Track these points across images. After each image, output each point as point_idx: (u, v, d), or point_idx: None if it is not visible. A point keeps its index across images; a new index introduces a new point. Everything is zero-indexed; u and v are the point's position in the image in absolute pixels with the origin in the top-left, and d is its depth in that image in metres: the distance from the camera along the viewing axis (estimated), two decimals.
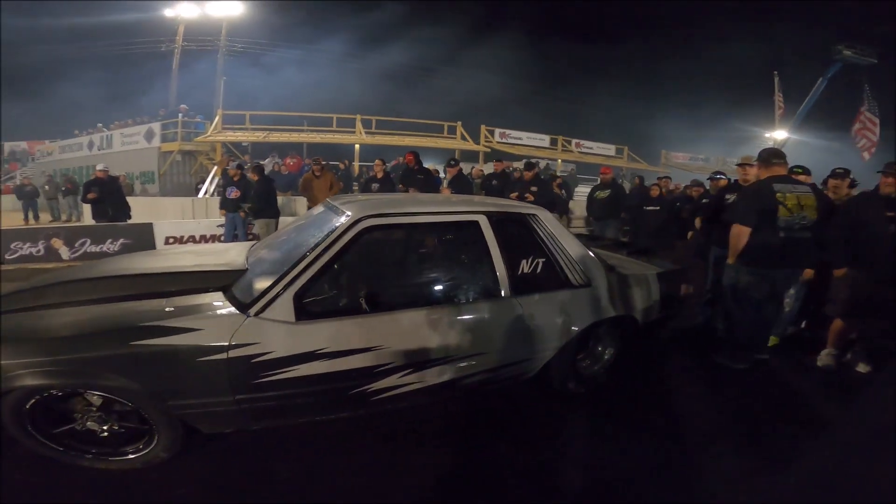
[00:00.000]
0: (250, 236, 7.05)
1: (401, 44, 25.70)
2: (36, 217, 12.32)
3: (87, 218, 8.69)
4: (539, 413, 2.62)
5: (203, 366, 1.87)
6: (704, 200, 5.12)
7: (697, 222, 4.81)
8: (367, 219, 2.19)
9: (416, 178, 6.20)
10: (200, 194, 11.48)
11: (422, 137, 16.54)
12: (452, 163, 6.58)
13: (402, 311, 2.18)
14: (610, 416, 2.60)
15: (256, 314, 1.96)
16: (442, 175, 8.90)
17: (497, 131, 17.60)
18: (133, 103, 20.23)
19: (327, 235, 2.13)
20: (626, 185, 12.14)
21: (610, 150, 19.57)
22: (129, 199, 7.63)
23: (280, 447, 2.23)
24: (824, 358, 3.34)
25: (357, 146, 15.45)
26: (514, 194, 6.26)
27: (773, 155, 3.10)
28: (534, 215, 2.59)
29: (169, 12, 18.84)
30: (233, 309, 2.00)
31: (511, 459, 2.20)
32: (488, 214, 2.44)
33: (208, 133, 14.88)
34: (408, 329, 2.16)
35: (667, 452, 2.29)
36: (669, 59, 29.46)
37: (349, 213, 2.24)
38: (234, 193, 7.09)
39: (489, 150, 16.25)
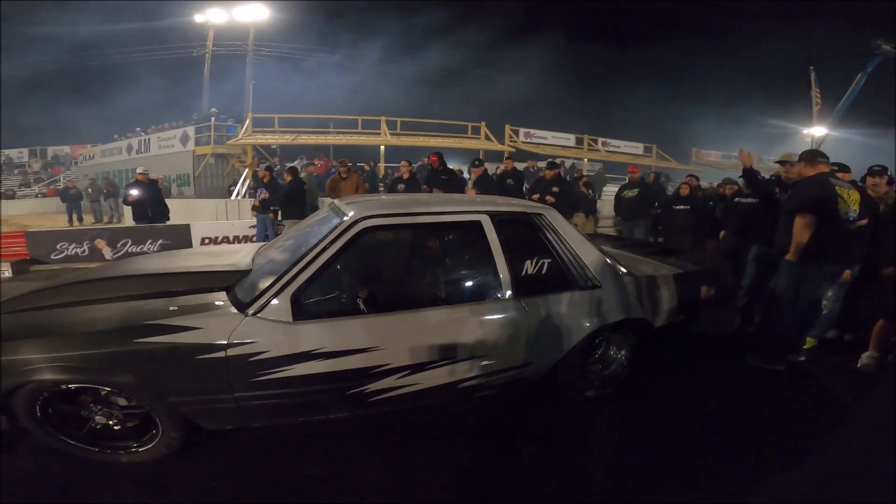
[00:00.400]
0: None
1: (432, 47, 26.02)
2: (80, 219, 12.95)
3: (128, 219, 9.13)
4: (563, 415, 2.59)
5: (202, 364, 1.90)
6: (737, 199, 4.99)
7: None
8: (366, 220, 2.18)
9: (440, 178, 6.25)
10: (233, 196, 11.84)
11: (446, 138, 16.61)
12: (477, 163, 6.61)
13: (400, 312, 2.18)
14: (627, 420, 2.56)
15: (255, 314, 1.98)
16: (466, 175, 8.94)
17: (521, 131, 17.51)
18: (168, 107, 21.08)
19: (326, 236, 2.14)
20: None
21: (638, 148, 19.20)
22: (167, 200, 7.94)
23: (303, 443, 2.27)
24: (865, 360, 3.21)
25: (382, 148, 15.64)
26: (535, 196, 6.24)
27: (817, 154, 3.07)
28: (539, 215, 2.51)
29: (199, 17, 19.48)
30: (233, 308, 2.03)
31: (532, 462, 2.19)
32: (491, 214, 2.39)
33: (239, 136, 15.34)
34: (406, 331, 2.14)
35: (684, 458, 2.21)
36: (704, 59, 28.93)
37: (348, 213, 2.24)
38: (263, 195, 7.29)
39: (514, 150, 16.17)
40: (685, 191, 6.14)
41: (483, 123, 16.82)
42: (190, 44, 20.54)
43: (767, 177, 4.23)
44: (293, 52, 22.78)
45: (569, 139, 18.37)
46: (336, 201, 2.75)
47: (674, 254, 3.60)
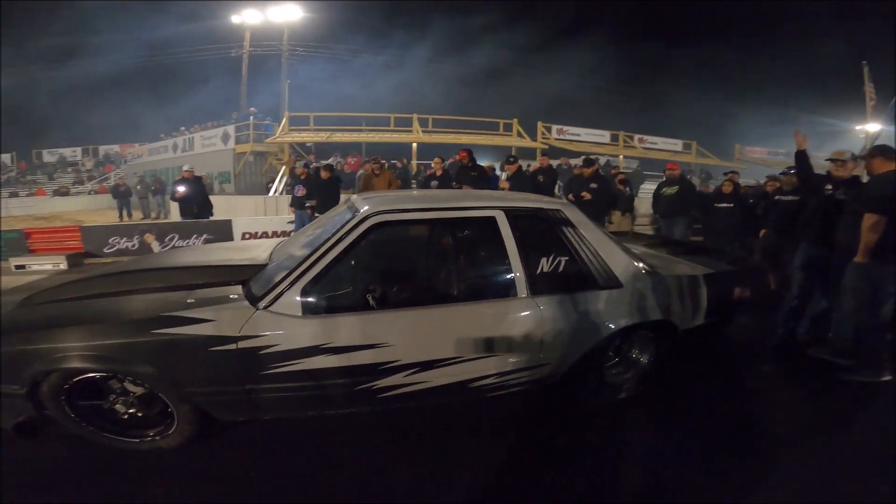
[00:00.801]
0: None
1: (472, 47, 26.20)
2: (129, 214, 13.69)
3: (175, 215, 9.57)
4: (586, 417, 2.53)
5: (214, 355, 1.93)
6: (777, 197, 4.78)
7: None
8: (377, 215, 2.16)
9: (469, 175, 6.25)
10: (271, 193, 12.21)
11: (478, 135, 16.58)
12: (511, 160, 6.57)
13: (410, 308, 2.16)
14: (648, 423, 2.48)
15: (265, 307, 2.00)
16: (499, 172, 8.90)
17: (554, 128, 17.28)
18: (210, 107, 21.96)
19: (337, 231, 2.14)
20: (696, 182, 11.50)
21: (676, 145, 18.61)
22: (210, 197, 8.27)
23: (337, 436, 2.29)
24: None
25: (414, 145, 15.76)
26: (570, 195, 6.15)
27: (891, 150, 2.91)
28: (557, 211, 2.44)
29: (235, 19, 20.11)
30: (245, 302, 2.06)
31: (559, 461, 2.17)
32: (506, 210, 2.33)
33: (277, 135, 15.80)
34: (415, 328, 2.12)
35: (704, 463, 2.15)
36: (753, 57, 27.99)
37: (361, 209, 2.23)
38: (300, 191, 7.48)
39: (546, 146, 15.97)
40: (728, 188, 5.91)
41: (515, 120, 16.70)
42: (228, 44, 21.32)
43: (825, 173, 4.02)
44: (328, 52, 23.25)
45: (603, 136, 17.99)
46: (352, 197, 2.76)
47: (708, 253, 3.47)
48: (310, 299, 2.02)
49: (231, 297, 2.11)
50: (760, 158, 19.61)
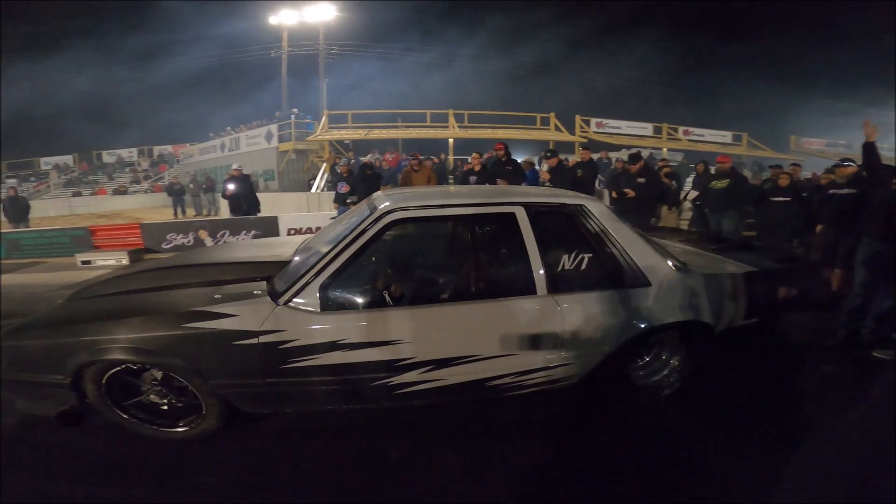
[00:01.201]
0: None
1: (517, 43, 26.06)
2: (183, 212, 14.42)
3: (224, 212, 10.03)
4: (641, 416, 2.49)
5: (238, 349, 1.99)
6: (832, 191, 4.50)
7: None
8: (394, 212, 2.16)
9: (504, 169, 6.22)
10: (313, 189, 12.56)
11: (514, 130, 16.42)
12: (549, 154, 6.48)
13: (426, 306, 2.17)
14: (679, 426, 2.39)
15: (285, 303, 2.04)
16: (537, 167, 8.80)
17: (593, 121, 16.87)
18: (253, 107, 22.85)
19: (355, 228, 2.16)
20: (748, 175, 10.96)
21: (725, 136, 17.77)
22: (257, 194, 8.61)
23: (390, 432, 2.32)
24: None
25: (451, 140, 15.79)
26: (613, 191, 6.01)
27: None
28: (581, 206, 2.35)
29: (273, 20, 20.70)
30: (268, 297, 2.11)
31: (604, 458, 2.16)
32: (527, 206, 2.27)
33: (317, 133, 16.21)
34: (430, 325, 2.12)
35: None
36: (814, 48, 26.33)
37: (378, 206, 2.24)
38: (343, 188, 7.66)
39: (585, 140, 15.62)
40: (785, 181, 5.59)
41: (552, 114, 16.41)
42: (268, 45, 22.04)
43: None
44: (367, 50, 23.63)
45: (646, 128, 17.42)
46: (375, 194, 2.78)
47: (752, 249, 3.29)
48: (328, 295, 2.06)
49: (255, 292, 2.17)
50: (818, 150, 18.47)
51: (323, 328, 2.02)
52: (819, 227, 4.66)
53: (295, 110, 18.49)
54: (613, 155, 14.89)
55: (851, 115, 20.84)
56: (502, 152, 6.36)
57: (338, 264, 2.08)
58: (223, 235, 7.90)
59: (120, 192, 20.67)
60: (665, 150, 16.65)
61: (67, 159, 25.93)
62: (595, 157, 11.99)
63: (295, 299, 2.04)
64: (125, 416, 2.19)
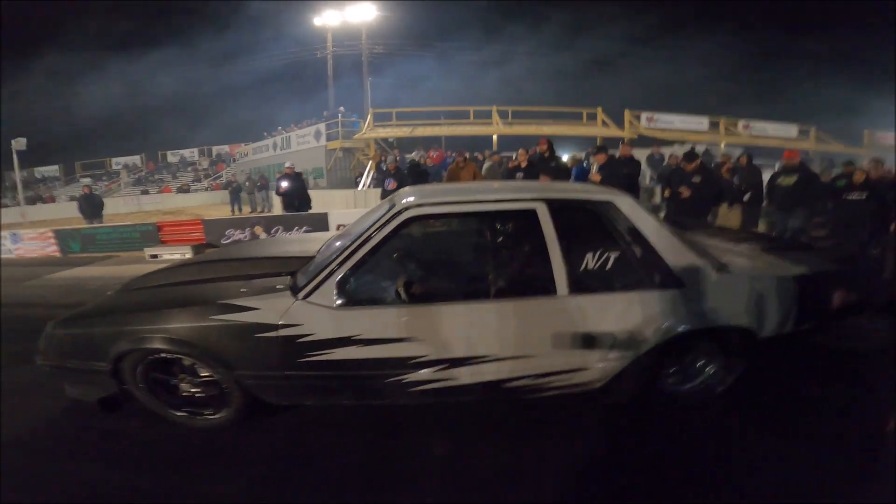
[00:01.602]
0: None
1: (574, 39, 25.63)
2: (240, 209, 15.17)
3: (277, 208, 10.48)
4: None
5: (259, 341, 2.05)
6: None
7: None
8: (411, 209, 2.15)
9: (548, 165, 6.13)
10: (360, 187, 12.88)
11: (561, 126, 16.10)
12: (598, 150, 6.31)
13: (440, 304, 2.13)
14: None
15: (304, 298, 2.07)
16: (585, 164, 8.59)
17: (643, 115, 16.25)
18: (303, 106, 23.72)
19: (373, 224, 2.17)
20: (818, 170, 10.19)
21: (790, 131, 16.60)
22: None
23: (437, 426, 2.32)
24: None
25: (494, 137, 15.70)
26: (667, 191, 5.76)
27: None
28: (607, 203, 2.23)
29: (317, 21, 21.26)
30: (288, 292, 2.15)
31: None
32: (549, 202, 2.18)
33: (363, 131, 16.58)
34: (444, 323, 2.09)
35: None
36: (891, 42, 23.94)
37: (396, 203, 2.24)
38: (391, 185, 7.80)
39: (635, 136, 15.09)
40: (860, 177, 5.17)
41: (599, 109, 15.96)
42: (315, 46, 22.74)
43: None
44: (415, 49, 23.94)
45: (701, 123, 16.60)
46: (399, 190, 2.77)
47: (808, 249, 3.03)
48: (344, 291, 2.08)
49: (277, 287, 2.22)
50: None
51: (338, 323, 2.05)
52: (894, 226, 4.28)
53: (341, 109, 18.98)
54: (666, 150, 14.33)
55: None
56: (545, 148, 6.27)
57: (354, 260, 2.09)
58: (276, 231, 8.25)
59: (183, 190, 22.04)
60: (723, 145, 15.79)
61: (136, 159, 27.96)
62: (646, 152, 11.56)
63: (313, 295, 2.08)
64: (158, 402, 2.31)
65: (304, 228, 8.13)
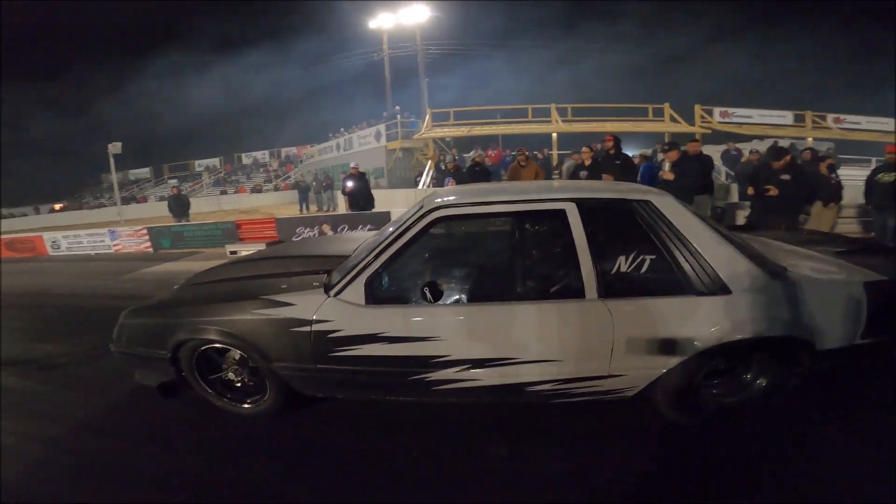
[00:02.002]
0: None
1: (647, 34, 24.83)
2: (307, 208, 15.99)
3: (341, 207, 10.95)
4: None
5: (294, 335, 2.15)
6: None
7: None
8: (438, 210, 2.16)
9: (613, 163, 5.93)
10: (420, 186, 13.13)
11: (625, 122, 15.50)
12: (667, 146, 6.02)
13: (464, 304, 2.14)
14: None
15: (335, 295, 2.15)
16: (654, 161, 8.23)
17: (717, 110, 15.26)
18: (362, 108, 24.56)
19: (401, 224, 2.20)
20: None
21: (888, 124, 14.89)
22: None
23: (491, 425, 2.32)
24: None
25: (554, 135, 15.40)
26: (750, 189, 5.38)
27: None
28: (644, 202, 2.11)
29: (372, 24, 21.67)
30: (322, 289, 2.23)
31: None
32: (579, 202, 2.11)
33: (422, 131, 16.88)
34: (467, 324, 2.09)
35: None
36: None
37: (426, 204, 2.26)
38: (450, 183, 7.93)
39: (709, 131, 14.22)
40: None
41: (666, 105, 15.17)
42: (372, 49, 23.31)
43: None
44: (460, 50, 24.01)
45: (784, 116, 15.33)
46: (434, 190, 2.78)
47: (879, 253, 2.69)
48: (372, 290, 2.13)
49: (314, 284, 2.31)
50: None
51: (365, 320, 2.10)
52: None
53: (397, 108, 19.40)
54: (742, 146, 13.37)
55: None
56: (611, 145, 6.08)
57: (382, 260, 2.15)
58: (342, 229, 8.63)
59: (256, 190, 23.55)
60: (810, 139, 14.49)
61: (215, 161, 30.29)
62: (720, 149, 10.88)
63: (343, 292, 2.15)
64: (208, 389, 2.48)
65: (368, 227, 8.44)
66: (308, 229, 8.88)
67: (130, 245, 10.75)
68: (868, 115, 15.47)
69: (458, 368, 2.09)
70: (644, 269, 2.03)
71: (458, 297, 2.18)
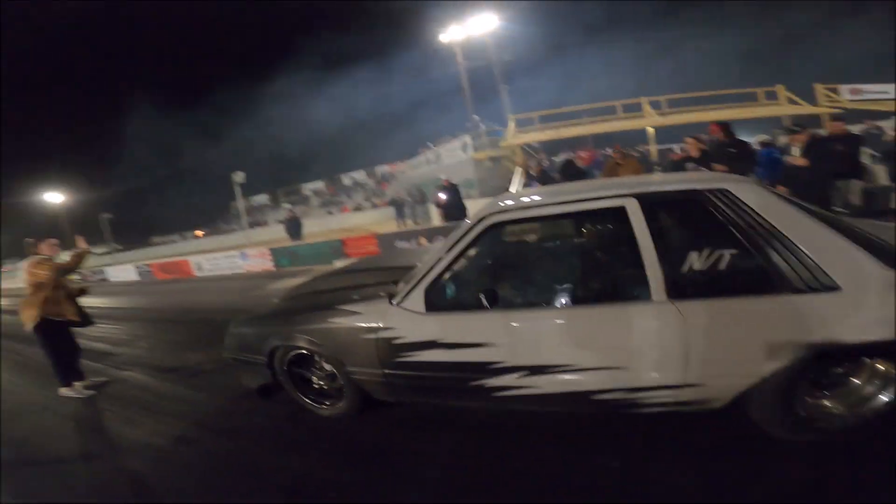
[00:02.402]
0: None
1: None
2: (403, 222, 16.87)
3: (434, 220, 11.41)
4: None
5: (362, 342, 2.28)
6: None
7: None
8: (491, 216, 2.15)
9: (726, 152, 5.46)
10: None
11: (730, 109, 14.12)
12: (796, 129, 5.41)
13: (520, 310, 2.10)
14: None
15: (398, 304, 2.23)
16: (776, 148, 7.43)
17: (844, 88, 13.27)
18: (446, 121, 25.24)
19: (458, 234, 2.21)
20: None
21: None
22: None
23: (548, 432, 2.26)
24: None
25: (650, 129, 14.53)
26: None
27: None
28: (721, 192, 1.88)
29: (444, 38, 21.39)
30: (387, 299, 2.31)
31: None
32: (640, 197, 1.94)
33: (507, 138, 16.94)
34: (521, 330, 2.04)
35: None
36: None
37: (482, 211, 2.26)
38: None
39: (839, 110, 12.41)
40: None
41: (780, 87, 13.54)
42: (448, 62, 23.56)
43: None
44: (539, 52, 23.56)
45: None
46: (498, 196, 2.75)
47: None
48: (431, 297, 2.18)
49: (380, 294, 2.40)
50: None
51: (425, 327, 2.17)
52: None
53: (476, 117, 19.58)
54: (884, 124, 11.49)
55: None
56: (720, 134, 5.63)
57: (440, 269, 2.19)
58: (437, 241, 9.01)
59: (357, 208, 25.39)
60: None
61: (320, 184, 33.27)
62: (858, 128, 9.46)
63: (405, 301, 2.23)
64: (296, 391, 2.72)
65: None
66: (406, 242, 9.40)
67: (257, 265, 12.26)
68: None
69: (516, 375, 2.06)
70: (723, 265, 1.83)
71: (514, 302, 2.19)
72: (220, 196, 32.66)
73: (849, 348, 1.75)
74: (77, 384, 3.79)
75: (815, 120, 12.58)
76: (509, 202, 2.22)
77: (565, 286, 2.17)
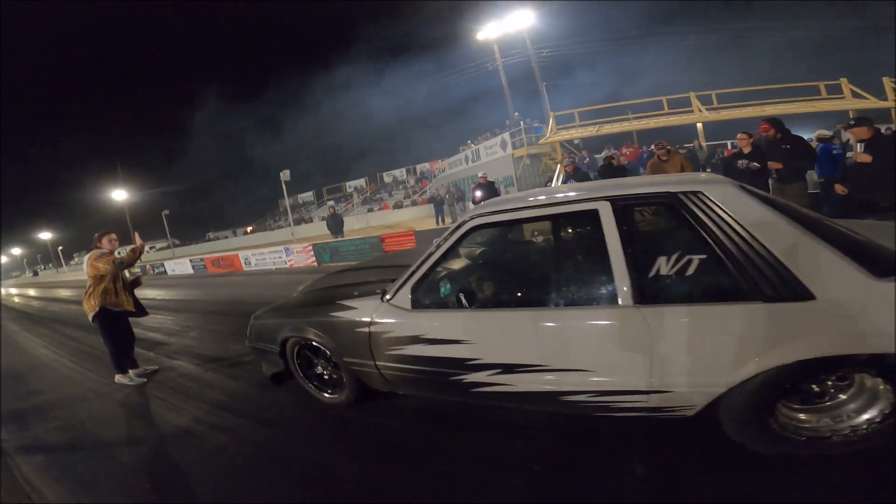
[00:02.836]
0: None
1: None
2: (443, 220, 17.01)
3: None
4: None
5: (357, 335, 2.44)
6: None
7: None
8: (472, 219, 2.22)
9: (779, 149, 5.17)
10: None
11: (786, 104, 13.22)
12: (856, 122, 4.99)
13: (493, 309, 2.17)
14: None
15: (388, 300, 2.37)
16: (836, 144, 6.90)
17: None
18: (485, 118, 25.10)
19: (444, 235, 2.31)
20: None
21: None
22: None
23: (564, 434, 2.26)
24: None
25: (700, 125, 13.86)
26: None
27: None
28: (695, 194, 1.81)
29: (480, 36, 21.26)
30: (380, 295, 2.44)
31: None
32: (613, 200, 1.91)
33: (547, 136, 16.65)
34: (494, 329, 2.11)
35: None
36: None
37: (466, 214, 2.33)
38: None
39: None
40: None
41: (843, 80, 12.51)
42: (486, 60, 23.32)
43: None
44: (574, 49, 22.96)
45: None
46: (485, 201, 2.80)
47: None
48: (416, 295, 2.31)
49: (376, 291, 2.53)
50: None
51: (409, 323, 2.30)
52: None
53: (517, 114, 19.34)
54: None
55: None
56: (771, 131, 5.33)
57: (425, 268, 2.31)
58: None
59: (398, 206, 25.78)
60: None
61: (361, 182, 34.03)
62: None
63: (394, 298, 2.37)
64: (304, 379, 2.94)
65: None
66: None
67: (301, 260, 12.75)
68: None
69: (489, 372, 2.13)
70: (691, 271, 1.78)
71: (490, 302, 2.29)
72: (274, 192, 34.28)
73: (822, 362, 1.65)
74: (131, 372, 4.06)
75: (884, 114, 11.56)
76: (491, 206, 2.28)
77: (538, 288, 2.27)
